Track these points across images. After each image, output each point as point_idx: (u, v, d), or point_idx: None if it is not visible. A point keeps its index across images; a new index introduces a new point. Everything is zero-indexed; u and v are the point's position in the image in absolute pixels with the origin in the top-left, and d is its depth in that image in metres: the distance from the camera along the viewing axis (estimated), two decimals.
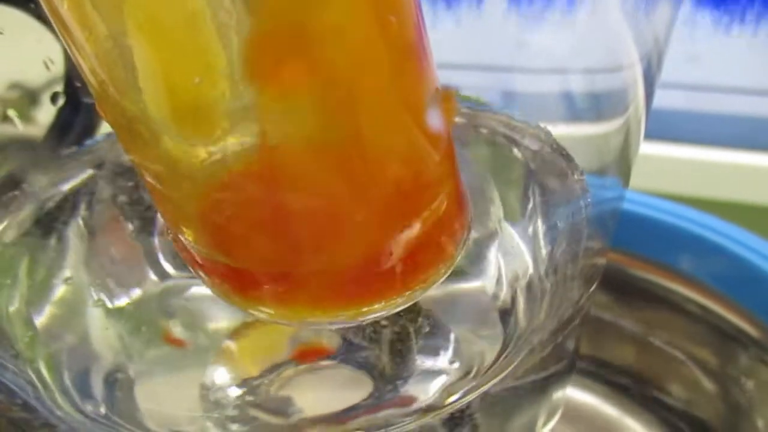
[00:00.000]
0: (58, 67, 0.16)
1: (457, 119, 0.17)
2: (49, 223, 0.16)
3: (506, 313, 0.15)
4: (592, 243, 0.15)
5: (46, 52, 0.15)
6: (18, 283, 0.15)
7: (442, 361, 0.15)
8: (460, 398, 0.13)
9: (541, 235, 0.16)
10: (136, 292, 0.16)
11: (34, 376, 0.14)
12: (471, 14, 0.17)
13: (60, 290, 0.15)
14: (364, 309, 0.12)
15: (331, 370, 0.15)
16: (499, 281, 0.16)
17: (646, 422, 0.25)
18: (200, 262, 0.12)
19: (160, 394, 0.15)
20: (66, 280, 0.15)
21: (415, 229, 0.12)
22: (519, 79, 0.16)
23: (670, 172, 0.44)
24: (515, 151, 0.16)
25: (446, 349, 0.15)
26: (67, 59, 0.16)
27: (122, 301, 0.15)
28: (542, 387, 0.16)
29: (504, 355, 0.14)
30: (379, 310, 0.13)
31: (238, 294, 0.13)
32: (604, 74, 0.15)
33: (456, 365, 0.15)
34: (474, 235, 0.14)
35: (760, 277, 0.22)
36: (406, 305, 0.13)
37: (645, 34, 0.14)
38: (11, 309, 0.14)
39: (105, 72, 0.10)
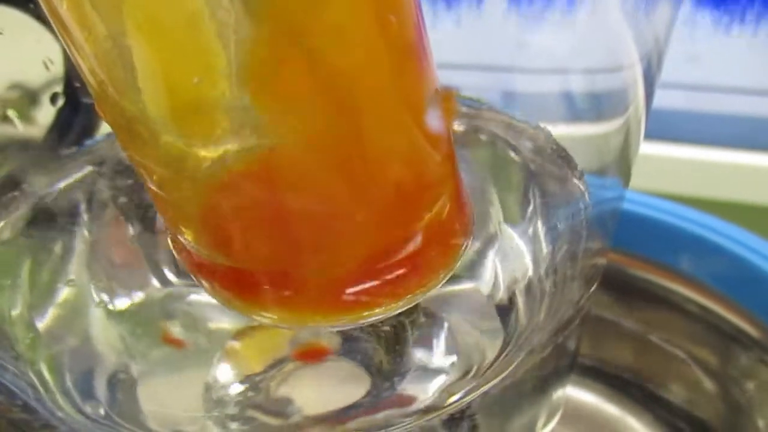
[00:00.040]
0: (58, 68, 0.16)
1: (457, 120, 0.17)
2: (49, 224, 0.16)
3: (506, 314, 0.15)
4: (592, 243, 0.15)
5: (46, 52, 0.15)
6: (19, 285, 0.15)
7: (440, 358, 0.15)
8: (460, 399, 0.13)
9: (541, 236, 0.16)
10: (139, 295, 0.16)
11: (35, 378, 0.14)
12: (471, 14, 0.17)
13: (62, 292, 0.15)
14: (365, 313, 0.12)
15: (330, 364, 0.15)
16: (497, 282, 0.16)
17: (647, 422, 0.25)
18: (199, 263, 0.12)
19: (162, 395, 0.15)
20: (68, 282, 0.15)
21: (416, 231, 0.12)
22: (519, 79, 0.16)
23: (670, 172, 0.44)
24: (515, 153, 0.16)
25: (445, 346, 0.15)
26: (67, 59, 0.16)
27: (124, 303, 0.15)
28: (542, 387, 0.16)
29: (504, 355, 0.14)
30: (379, 314, 0.13)
31: (238, 299, 0.12)
32: (604, 74, 0.15)
33: (455, 363, 0.15)
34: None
35: (760, 277, 0.22)
36: (406, 308, 0.13)
37: (645, 34, 0.14)
38: (13, 312, 0.14)
39: (104, 72, 0.10)
